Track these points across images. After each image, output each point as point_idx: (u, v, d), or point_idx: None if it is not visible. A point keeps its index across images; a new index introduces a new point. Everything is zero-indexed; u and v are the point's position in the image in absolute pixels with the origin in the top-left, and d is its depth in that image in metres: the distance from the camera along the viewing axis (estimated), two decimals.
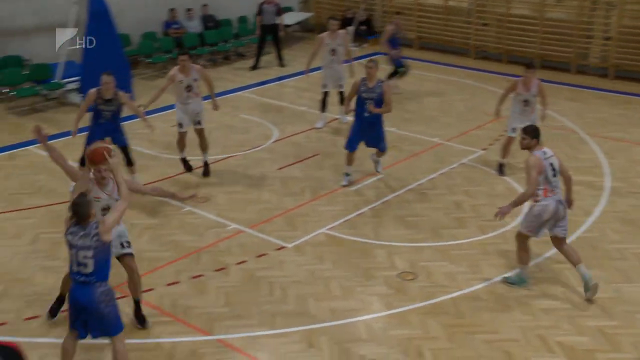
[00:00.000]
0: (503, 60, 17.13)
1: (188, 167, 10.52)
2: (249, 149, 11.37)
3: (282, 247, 8.39)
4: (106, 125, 9.39)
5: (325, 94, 12.46)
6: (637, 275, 7.89)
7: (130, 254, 6.70)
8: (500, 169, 10.57)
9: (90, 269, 5.57)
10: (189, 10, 16.77)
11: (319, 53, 12.37)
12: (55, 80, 13.58)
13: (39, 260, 8.02)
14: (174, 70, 10.01)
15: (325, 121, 12.53)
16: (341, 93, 12.35)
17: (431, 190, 10.03)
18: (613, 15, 15.71)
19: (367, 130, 9.82)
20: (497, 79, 15.74)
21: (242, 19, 18.24)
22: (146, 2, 16.05)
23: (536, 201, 7.30)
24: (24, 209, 9.28)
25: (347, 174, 10.09)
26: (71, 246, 5.60)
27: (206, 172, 10.42)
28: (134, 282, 6.77)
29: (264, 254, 8.22)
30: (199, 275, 7.75)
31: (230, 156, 11.11)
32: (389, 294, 7.48)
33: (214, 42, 17.05)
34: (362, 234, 8.72)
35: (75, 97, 13.39)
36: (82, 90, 13.24)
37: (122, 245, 6.64)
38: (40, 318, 6.91)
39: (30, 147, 11.35)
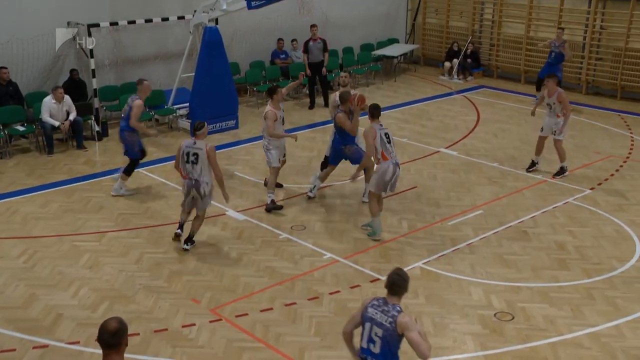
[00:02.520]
0: (617, 96, 16.42)
1: (277, 207, 10.29)
2: (348, 179, 11.41)
3: (376, 279, 8.32)
4: None
5: None
6: None
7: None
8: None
9: (377, 349, 5.12)
10: (293, 40, 17.19)
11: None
12: (167, 106, 14.25)
13: (142, 279, 8.36)
14: (271, 110, 10.01)
15: None
16: None
17: (533, 228, 9.69)
18: None
19: None
20: (610, 115, 15.11)
21: (347, 50, 18.47)
22: (256, 32, 16.60)
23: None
24: (131, 229, 9.74)
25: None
26: (368, 319, 5.16)
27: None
28: None
29: (357, 285, 8.19)
30: (292, 303, 7.82)
31: (329, 185, 11.21)
32: (483, 334, 7.25)
33: None
34: (458, 270, 8.53)
35: (184, 123, 13.98)
36: (191, 116, 13.85)
37: None
38: (139, 336, 7.17)
39: (140, 169, 11.91)
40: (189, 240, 9.04)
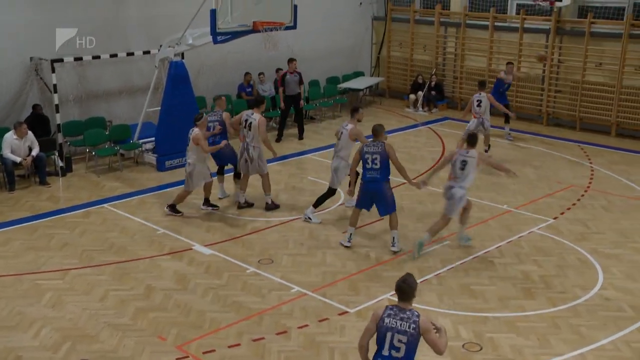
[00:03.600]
0: (576, 127, 16.81)
1: (275, 206, 11.58)
2: (315, 212, 11.42)
3: (345, 312, 8.30)
4: None
5: None
6: None
7: None
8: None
9: (402, 353, 5.41)
10: (260, 74, 17.29)
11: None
12: (133, 141, 14.16)
13: (107, 317, 8.20)
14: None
15: None
16: None
17: (499, 258, 9.79)
18: None
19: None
20: (570, 146, 15.44)
21: (314, 83, 18.64)
22: (222, 66, 16.67)
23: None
24: (96, 266, 9.57)
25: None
26: (387, 329, 5.43)
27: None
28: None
29: (325, 319, 8.15)
30: (260, 338, 7.74)
31: (296, 218, 11.20)
32: None
33: None
34: (426, 301, 8.55)
35: (150, 157, 13.89)
36: (157, 150, 13.77)
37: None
38: None
39: (105, 204, 11.78)
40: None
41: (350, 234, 10.13)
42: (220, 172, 12.23)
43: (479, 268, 9.48)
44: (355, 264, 9.60)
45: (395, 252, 9.89)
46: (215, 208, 11.47)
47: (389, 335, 5.41)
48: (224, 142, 11.33)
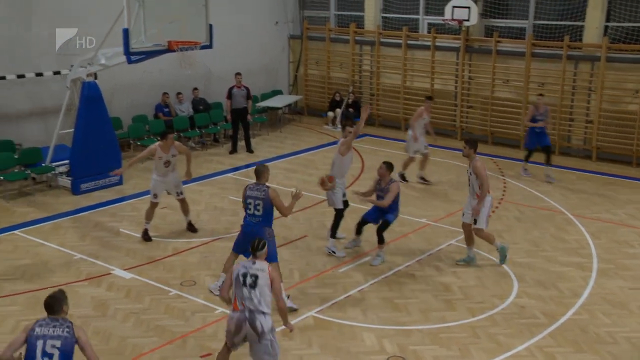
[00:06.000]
0: (488, 141, 17.45)
1: (148, 238, 10.96)
2: (237, 231, 11.32)
3: None
4: None
5: None
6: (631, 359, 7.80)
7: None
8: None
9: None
10: (179, 94, 17.10)
11: None
12: (45, 164, 13.66)
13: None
14: (156, 146, 10.89)
15: None
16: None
17: (419, 271, 10.00)
18: (593, 99, 16.13)
19: None
20: (482, 160, 15.95)
21: None
22: (138, 86, 16.38)
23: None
24: (6, 296, 9.14)
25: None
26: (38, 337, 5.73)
27: (193, 229, 11.35)
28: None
29: None
30: None
31: (218, 238, 11.08)
32: None
33: (204, 125, 17.30)
34: (350, 317, 8.63)
35: (64, 181, 13.43)
36: (72, 173, 13.34)
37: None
38: None
39: (16, 231, 11.29)
40: None
41: (223, 281, 8.03)
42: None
43: (401, 282, 9.65)
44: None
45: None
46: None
47: (39, 343, 5.66)
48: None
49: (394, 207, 10.16)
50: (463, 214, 10.27)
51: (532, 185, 14.12)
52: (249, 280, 6.48)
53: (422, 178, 14.20)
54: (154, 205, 11.03)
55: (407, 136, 14.28)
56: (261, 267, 6.57)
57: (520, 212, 12.57)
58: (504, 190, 13.80)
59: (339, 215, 10.62)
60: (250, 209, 8.65)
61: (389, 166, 10.24)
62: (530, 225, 11.89)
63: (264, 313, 6.44)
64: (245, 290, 6.46)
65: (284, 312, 6.77)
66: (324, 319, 8.59)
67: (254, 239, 6.98)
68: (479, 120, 17.88)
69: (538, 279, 9.78)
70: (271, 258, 8.14)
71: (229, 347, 6.72)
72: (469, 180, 10.15)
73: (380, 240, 10.15)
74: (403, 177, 14.05)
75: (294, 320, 8.43)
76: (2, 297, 9.09)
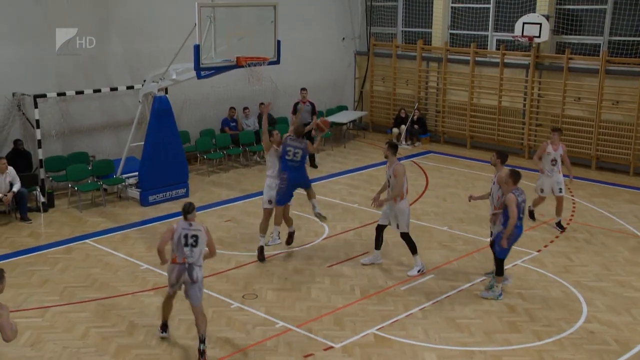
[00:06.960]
0: None
1: (262, 258, 10.81)
2: (300, 246, 11.39)
3: (330, 347, 8.23)
4: None
5: None
6: None
7: None
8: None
9: None
10: (245, 108, 17.38)
11: None
12: (116, 176, 14.10)
13: (88, 356, 8.06)
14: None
15: None
16: None
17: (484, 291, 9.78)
18: None
19: None
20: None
21: None
22: (206, 101, 16.73)
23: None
24: (77, 303, 9.44)
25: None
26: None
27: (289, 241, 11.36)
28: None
29: (311, 354, 8.07)
30: None
31: (280, 252, 11.15)
32: None
33: None
34: (412, 336, 8.51)
35: (133, 192, 13.82)
36: (140, 185, 13.71)
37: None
38: None
39: (88, 240, 11.66)
40: (202, 342, 7.92)
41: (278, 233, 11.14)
42: None
43: (465, 302, 9.46)
44: (341, 297, 9.55)
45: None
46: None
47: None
48: None
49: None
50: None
51: (603, 206, 13.66)
52: (190, 240, 7.88)
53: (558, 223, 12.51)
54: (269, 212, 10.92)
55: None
56: (197, 227, 7.97)
57: (590, 234, 12.16)
58: (573, 210, 13.39)
59: (406, 239, 10.34)
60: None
61: (514, 174, 9.51)
62: (601, 248, 11.49)
63: (200, 266, 7.96)
64: (186, 249, 7.87)
65: (214, 254, 8.32)
66: (384, 336, 8.50)
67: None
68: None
69: (609, 304, 9.42)
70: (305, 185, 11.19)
71: (170, 294, 8.21)
72: (491, 190, 9.99)
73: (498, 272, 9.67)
74: (559, 225, 12.43)
75: (352, 338, 8.41)
76: (73, 304, 9.38)
